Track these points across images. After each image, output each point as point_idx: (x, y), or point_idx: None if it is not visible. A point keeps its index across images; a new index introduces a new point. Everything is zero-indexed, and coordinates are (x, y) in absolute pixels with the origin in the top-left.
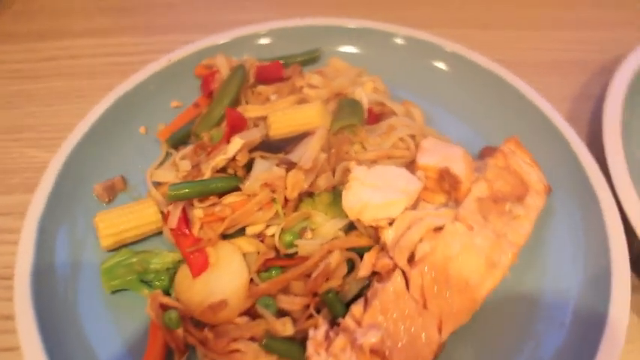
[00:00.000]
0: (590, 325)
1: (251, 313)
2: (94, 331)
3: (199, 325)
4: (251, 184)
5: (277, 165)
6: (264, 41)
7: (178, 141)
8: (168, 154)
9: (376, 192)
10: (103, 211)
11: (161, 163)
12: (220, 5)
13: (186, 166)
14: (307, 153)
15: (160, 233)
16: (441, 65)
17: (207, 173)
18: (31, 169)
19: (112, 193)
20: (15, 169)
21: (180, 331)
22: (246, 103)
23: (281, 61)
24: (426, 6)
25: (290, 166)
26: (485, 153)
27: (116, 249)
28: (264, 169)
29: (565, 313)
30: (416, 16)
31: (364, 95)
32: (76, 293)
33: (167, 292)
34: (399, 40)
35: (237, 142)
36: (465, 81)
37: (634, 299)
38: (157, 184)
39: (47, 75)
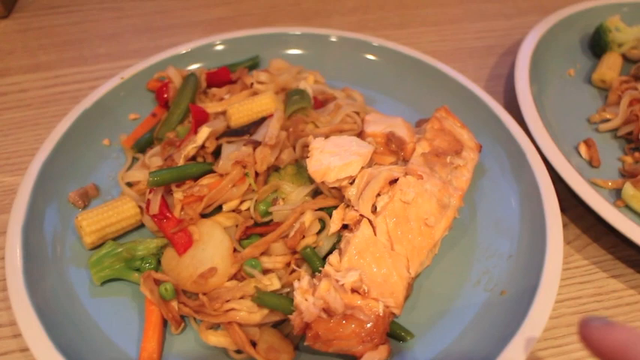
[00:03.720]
0: (533, 255)
1: (238, 278)
2: (88, 319)
3: (191, 297)
4: (224, 163)
5: (244, 145)
6: (210, 51)
7: (142, 146)
8: (134, 160)
9: (335, 156)
10: (83, 211)
11: (129, 168)
12: (163, 33)
13: (157, 161)
14: (270, 131)
15: (138, 228)
16: (370, 57)
17: (180, 162)
18: None
19: (87, 199)
20: None
21: (175, 304)
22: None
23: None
24: (345, 15)
25: (256, 144)
26: (420, 123)
27: (99, 246)
28: (233, 150)
29: (512, 247)
30: (339, 24)
31: (308, 86)
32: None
33: None
34: (333, 40)
35: (204, 131)
36: (393, 68)
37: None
38: (129, 185)
39: (0, 109)
